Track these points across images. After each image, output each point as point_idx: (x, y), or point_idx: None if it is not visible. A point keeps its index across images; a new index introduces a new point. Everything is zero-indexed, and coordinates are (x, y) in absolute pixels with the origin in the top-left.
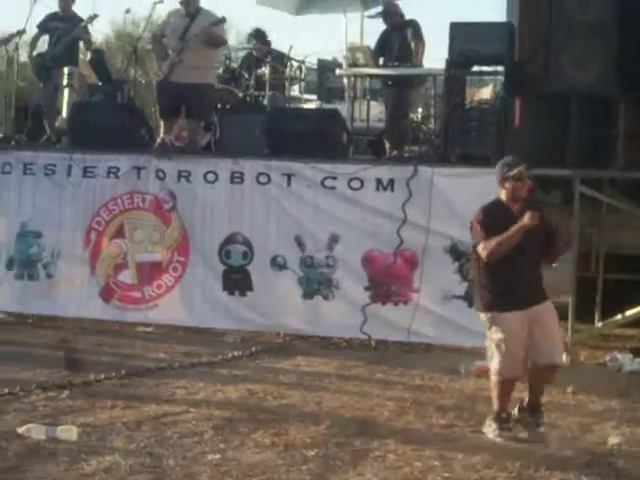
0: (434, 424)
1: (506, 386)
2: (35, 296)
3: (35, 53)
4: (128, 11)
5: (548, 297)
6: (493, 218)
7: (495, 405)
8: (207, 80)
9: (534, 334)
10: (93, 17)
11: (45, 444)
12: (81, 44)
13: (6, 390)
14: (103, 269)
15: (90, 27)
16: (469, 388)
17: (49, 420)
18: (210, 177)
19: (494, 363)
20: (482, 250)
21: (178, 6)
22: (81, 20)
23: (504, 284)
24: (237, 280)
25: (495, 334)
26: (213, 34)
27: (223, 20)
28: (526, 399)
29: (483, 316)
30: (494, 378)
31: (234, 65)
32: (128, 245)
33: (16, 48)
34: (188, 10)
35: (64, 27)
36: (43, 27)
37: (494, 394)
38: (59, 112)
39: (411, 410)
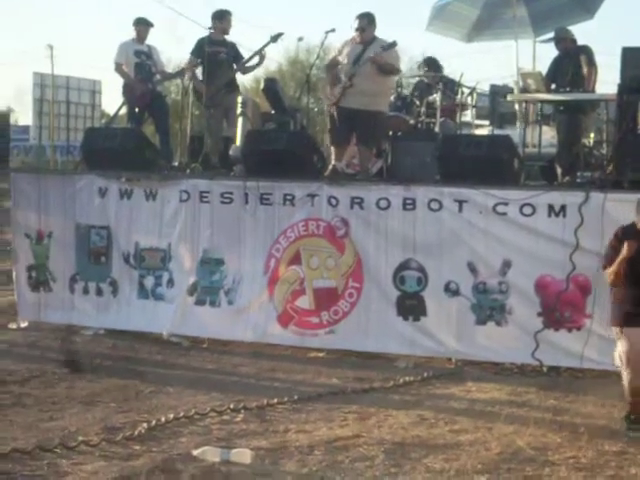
0: (606, 451)
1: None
2: (215, 322)
3: (197, 79)
4: (301, 39)
5: None
6: (623, 241)
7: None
8: (379, 107)
9: None
10: (277, 36)
11: (219, 467)
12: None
13: (182, 413)
14: (281, 295)
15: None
16: None
17: (223, 443)
18: (382, 203)
19: (623, 375)
20: (606, 275)
21: (354, 34)
22: (234, 44)
23: (633, 300)
24: (412, 306)
25: (621, 347)
26: (385, 60)
27: (394, 44)
28: None
29: (614, 330)
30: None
31: (405, 92)
32: (305, 271)
33: (190, 78)
34: (363, 38)
35: (225, 51)
36: (199, 52)
37: (626, 399)
38: (233, 140)
39: (583, 437)
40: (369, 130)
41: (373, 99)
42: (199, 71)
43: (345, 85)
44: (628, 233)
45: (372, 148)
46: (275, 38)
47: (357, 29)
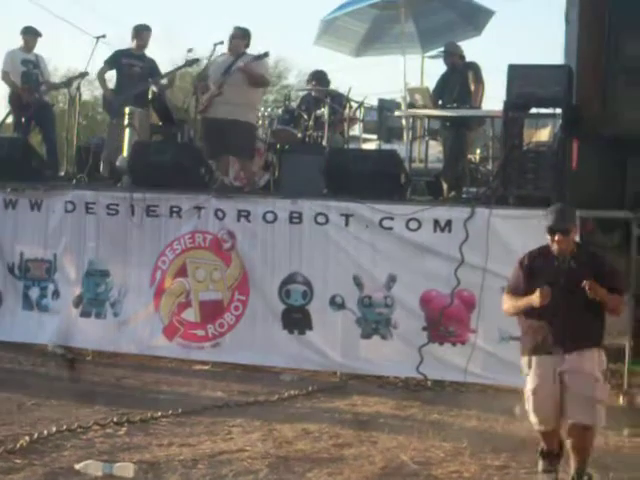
0: (489, 465)
1: (545, 435)
2: (100, 334)
3: (108, 88)
4: (190, 50)
5: (595, 346)
6: (531, 267)
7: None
8: (247, 118)
9: (565, 385)
10: (193, 61)
11: None
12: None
13: (64, 427)
14: (167, 307)
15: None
16: (524, 430)
17: (106, 457)
18: (269, 217)
19: (527, 411)
20: (503, 302)
21: (225, 50)
22: (152, 60)
23: (539, 327)
24: (297, 319)
25: (527, 379)
26: (254, 71)
27: (266, 54)
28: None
29: (521, 360)
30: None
31: (293, 105)
32: (191, 283)
33: (78, 87)
34: (234, 49)
35: (141, 65)
36: (113, 63)
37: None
38: (120, 151)
39: (466, 451)
40: (239, 141)
41: (241, 109)
42: (112, 81)
43: (213, 93)
44: (536, 259)
45: (247, 159)
46: (190, 63)
47: (229, 40)
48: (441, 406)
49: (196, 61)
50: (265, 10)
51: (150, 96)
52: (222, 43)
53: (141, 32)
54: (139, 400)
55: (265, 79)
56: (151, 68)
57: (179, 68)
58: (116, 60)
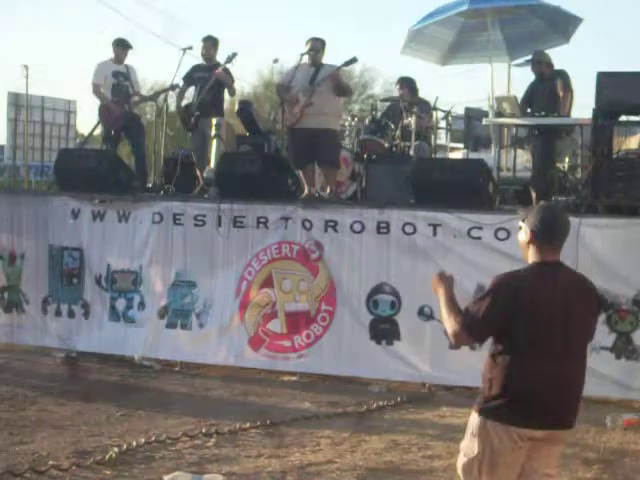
0: (580, 477)
1: None
2: (186, 345)
3: (183, 104)
4: (276, 61)
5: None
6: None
7: None
8: (333, 126)
9: (524, 471)
10: (232, 56)
11: None
12: (226, 92)
13: (153, 438)
14: (253, 318)
15: (231, 65)
16: (615, 441)
17: (195, 468)
18: (357, 227)
19: None
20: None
21: (304, 59)
22: (227, 70)
23: (516, 383)
24: (385, 330)
25: (476, 447)
26: (342, 79)
27: (354, 60)
28: None
29: (473, 417)
30: None
31: (380, 115)
32: (277, 294)
33: (165, 99)
34: (315, 60)
35: (208, 76)
36: (189, 79)
37: None
38: (207, 162)
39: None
40: (329, 149)
41: (328, 118)
42: (189, 94)
43: (306, 104)
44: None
45: (335, 167)
46: (229, 59)
47: (309, 51)
48: None
49: (234, 55)
50: (352, 20)
51: (237, 107)
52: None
53: (206, 43)
54: (227, 411)
55: (349, 88)
56: (224, 77)
57: (223, 65)
58: (191, 76)
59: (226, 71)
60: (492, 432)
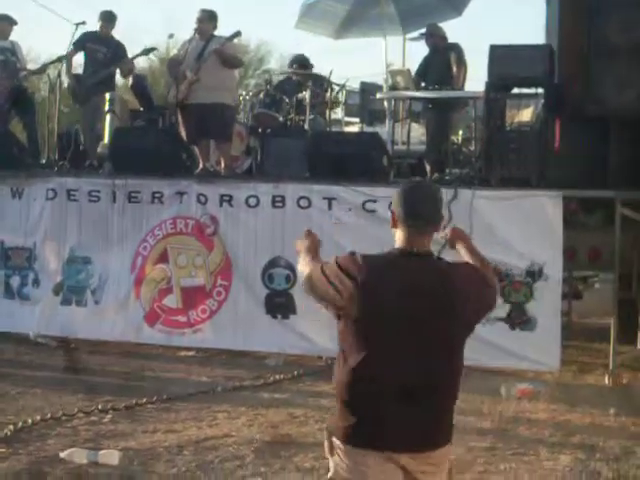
0: (475, 447)
1: None
2: (81, 321)
3: (73, 73)
4: (171, 36)
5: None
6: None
7: None
8: (225, 100)
9: None
10: (150, 50)
11: (87, 469)
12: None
13: (49, 415)
14: (148, 293)
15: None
16: (510, 411)
17: (91, 444)
18: (252, 201)
19: None
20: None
21: (194, 31)
22: (119, 44)
23: (362, 395)
24: (280, 304)
25: (330, 469)
26: (228, 52)
27: (238, 34)
28: None
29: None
30: None
31: (275, 90)
32: (172, 270)
33: (59, 75)
34: (203, 33)
35: (105, 51)
36: (80, 46)
37: None
38: (101, 138)
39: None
40: (216, 123)
41: (219, 93)
42: (79, 67)
43: (192, 80)
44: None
45: (225, 141)
46: (147, 51)
47: (196, 23)
48: None
49: (153, 50)
50: None
51: (131, 81)
52: (172, 36)
53: (111, 20)
54: (124, 387)
55: (238, 59)
56: (116, 53)
57: (136, 56)
58: (82, 44)
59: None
60: (339, 454)
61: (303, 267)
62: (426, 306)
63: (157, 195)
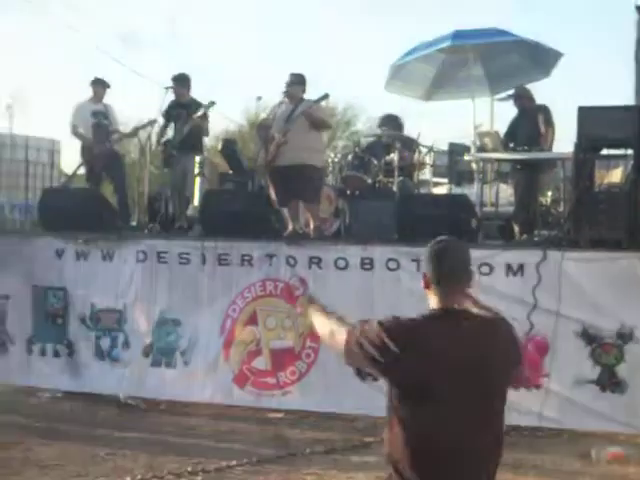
0: None
1: None
2: (171, 383)
3: (163, 140)
4: (259, 98)
5: None
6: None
7: None
8: (313, 162)
9: None
10: (210, 105)
11: None
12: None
13: (139, 476)
14: (237, 355)
15: (209, 113)
16: (600, 473)
17: None
18: (340, 263)
19: None
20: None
21: (284, 95)
22: (199, 105)
23: (413, 457)
24: None
25: None
26: (316, 114)
27: (326, 96)
28: None
29: None
30: None
31: (363, 152)
32: (261, 332)
33: (148, 137)
34: (293, 97)
35: (184, 113)
36: (167, 115)
37: None
38: (191, 200)
39: None
40: (304, 184)
41: (307, 154)
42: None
43: (279, 142)
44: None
45: (316, 203)
46: (207, 107)
47: (286, 87)
48: (517, 451)
49: (213, 104)
50: (333, 57)
51: (221, 145)
52: (260, 99)
53: (185, 81)
54: (213, 449)
55: (326, 122)
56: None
57: (201, 112)
58: (169, 112)
59: (203, 117)
60: None
61: (324, 328)
62: (470, 364)
63: (246, 257)
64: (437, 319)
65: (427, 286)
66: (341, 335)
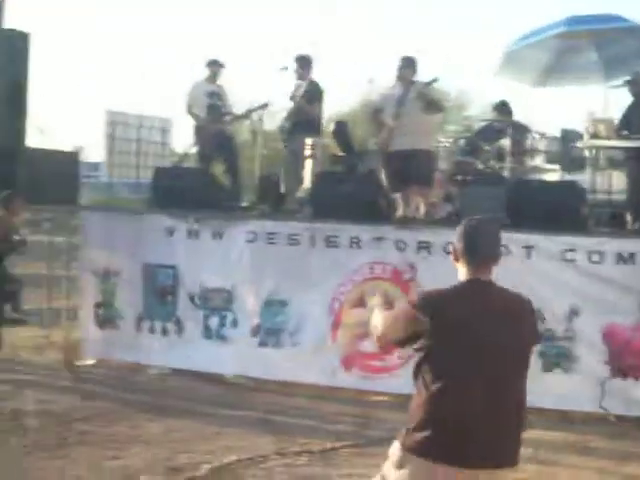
0: None
1: None
2: (278, 363)
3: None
4: (371, 81)
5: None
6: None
7: None
8: (425, 146)
9: None
10: (264, 105)
11: None
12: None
13: (244, 455)
14: (344, 337)
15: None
16: None
17: None
18: (450, 248)
19: None
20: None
21: (395, 79)
22: (317, 86)
23: (448, 414)
24: None
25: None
26: (427, 97)
27: (436, 79)
28: None
29: (395, 448)
30: None
31: (474, 137)
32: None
33: (260, 118)
34: (404, 80)
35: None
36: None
37: None
38: (301, 182)
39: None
40: (421, 169)
41: (419, 138)
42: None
43: (392, 126)
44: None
45: (427, 186)
46: (263, 106)
47: (397, 70)
48: (625, 440)
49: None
50: (446, 43)
51: (333, 127)
52: (372, 81)
53: (301, 62)
54: (318, 430)
55: (439, 104)
56: (312, 93)
57: (250, 111)
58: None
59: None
60: (412, 468)
61: (376, 322)
62: (495, 329)
63: (355, 240)
64: (463, 290)
65: (456, 259)
66: (380, 323)
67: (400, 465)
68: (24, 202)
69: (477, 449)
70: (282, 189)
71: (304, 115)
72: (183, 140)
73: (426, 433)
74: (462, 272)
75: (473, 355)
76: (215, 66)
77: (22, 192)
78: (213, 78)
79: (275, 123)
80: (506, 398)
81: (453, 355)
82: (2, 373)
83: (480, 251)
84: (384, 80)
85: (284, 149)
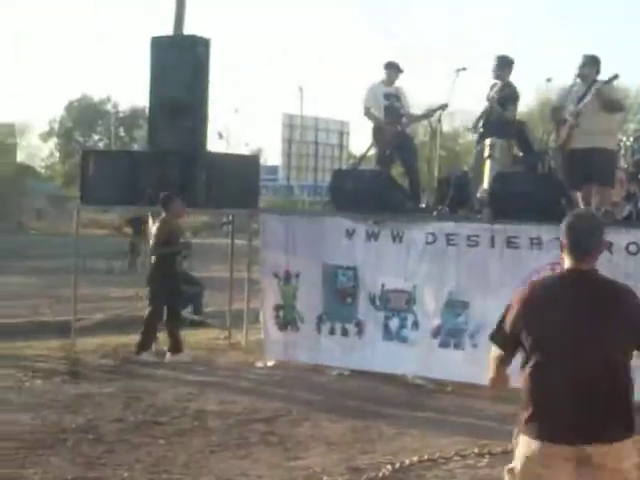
0: None
1: None
2: (459, 365)
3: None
4: (549, 80)
5: (631, 434)
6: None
7: None
8: (605, 145)
9: None
10: (444, 106)
11: None
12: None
13: (426, 456)
14: None
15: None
16: None
17: None
18: (632, 248)
19: None
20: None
21: (576, 80)
22: (513, 89)
23: (540, 392)
24: None
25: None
26: (608, 96)
27: (616, 77)
28: None
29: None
30: None
31: None
32: None
33: (439, 119)
34: (585, 78)
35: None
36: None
37: None
38: (481, 182)
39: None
40: (602, 168)
41: (599, 137)
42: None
43: (572, 124)
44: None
45: (609, 186)
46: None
47: (579, 68)
48: None
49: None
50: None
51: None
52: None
53: (501, 63)
54: (499, 432)
55: (619, 103)
56: (508, 95)
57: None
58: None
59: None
60: (523, 445)
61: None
62: (584, 318)
63: (535, 241)
64: (563, 278)
65: (562, 250)
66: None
67: (515, 444)
68: (183, 203)
69: (566, 425)
70: (470, 189)
71: (497, 116)
72: (360, 143)
73: (525, 412)
74: (566, 262)
75: (561, 335)
76: (392, 69)
77: (201, 196)
78: (390, 80)
79: (452, 124)
80: (596, 378)
81: (542, 336)
82: (185, 374)
83: (576, 243)
84: (562, 79)
85: (475, 149)
